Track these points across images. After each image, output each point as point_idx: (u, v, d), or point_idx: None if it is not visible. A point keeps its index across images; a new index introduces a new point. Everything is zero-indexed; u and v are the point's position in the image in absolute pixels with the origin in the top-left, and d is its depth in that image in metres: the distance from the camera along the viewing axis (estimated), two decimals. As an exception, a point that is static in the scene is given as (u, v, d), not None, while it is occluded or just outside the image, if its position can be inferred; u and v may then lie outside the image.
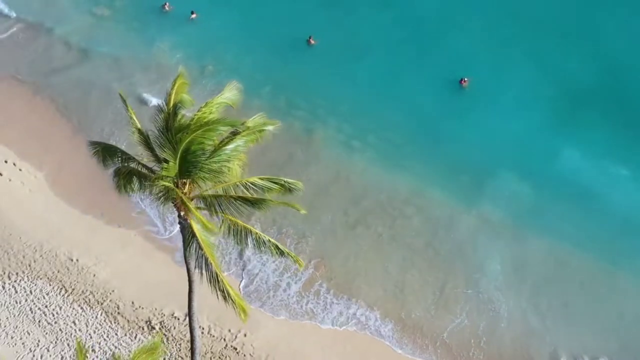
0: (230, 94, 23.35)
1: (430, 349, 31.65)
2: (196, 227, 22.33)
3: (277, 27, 46.85)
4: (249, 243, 22.65)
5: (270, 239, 22.80)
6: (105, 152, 23.79)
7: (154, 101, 41.13)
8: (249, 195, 22.59)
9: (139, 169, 23.13)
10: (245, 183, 22.71)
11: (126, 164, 23.38)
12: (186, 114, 22.43)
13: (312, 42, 45.47)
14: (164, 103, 22.57)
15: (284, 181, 23.12)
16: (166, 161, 21.73)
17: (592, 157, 38.47)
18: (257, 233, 22.70)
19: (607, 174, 37.71)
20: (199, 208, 22.68)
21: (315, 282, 34.16)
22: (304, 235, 35.83)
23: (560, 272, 34.23)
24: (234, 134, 22.56)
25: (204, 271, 22.18)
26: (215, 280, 21.99)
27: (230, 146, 22.17)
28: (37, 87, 44.25)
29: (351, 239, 35.92)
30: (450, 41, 45.22)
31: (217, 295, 22.24)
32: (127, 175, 23.05)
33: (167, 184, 21.24)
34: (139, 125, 23.25)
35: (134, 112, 23.59)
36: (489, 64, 43.64)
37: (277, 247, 22.86)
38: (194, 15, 48.09)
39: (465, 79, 42.53)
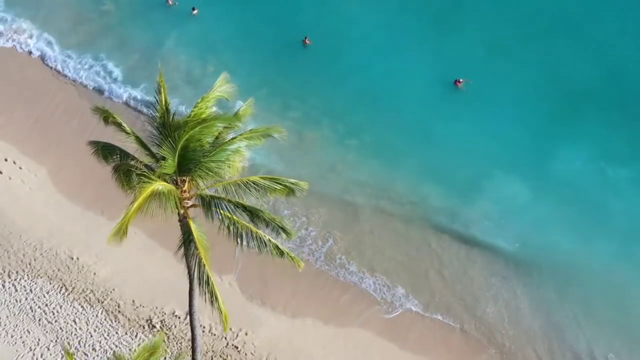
0: (223, 86, 22.98)
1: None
2: (194, 227, 21.84)
3: (274, 27, 46.07)
4: (249, 243, 22.04)
5: (270, 238, 22.02)
6: (105, 150, 23.32)
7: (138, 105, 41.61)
8: (247, 204, 21.91)
9: (139, 166, 22.75)
10: (247, 182, 22.08)
11: (125, 162, 23.05)
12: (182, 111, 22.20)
13: (308, 42, 45.01)
14: (157, 101, 22.26)
15: (287, 181, 22.45)
16: (164, 159, 21.43)
17: (589, 157, 37.91)
18: (257, 232, 21.93)
19: (605, 175, 37.19)
20: (197, 206, 22.36)
21: (336, 255, 34.61)
22: (310, 210, 36.18)
23: (559, 270, 33.85)
24: (228, 128, 22.18)
25: (196, 272, 21.64)
26: (205, 282, 21.40)
27: (232, 147, 21.65)
28: (39, 85, 44.13)
29: (362, 219, 36.11)
30: (445, 42, 44.39)
31: (205, 297, 21.64)
32: (126, 172, 22.72)
33: (156, 182, 20.86)
34: (128, 130, 22.86)
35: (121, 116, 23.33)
36: (484, 65, 42.73)
37: (277, 248, 22.07)
38: (195, 12, 47.83)
39: (461, 80, 41.70)
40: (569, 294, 33.05)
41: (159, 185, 20.71)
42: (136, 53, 45.31)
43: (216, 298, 21.47)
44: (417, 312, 32.65)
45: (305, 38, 44.92)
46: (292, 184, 22.45)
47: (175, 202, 21.07)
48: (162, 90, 22.17)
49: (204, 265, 21.26)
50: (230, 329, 31.08)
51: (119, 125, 23.30)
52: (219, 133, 21.93)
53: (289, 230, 21.96)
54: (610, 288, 33.12)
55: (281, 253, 22.13)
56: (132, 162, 22.77)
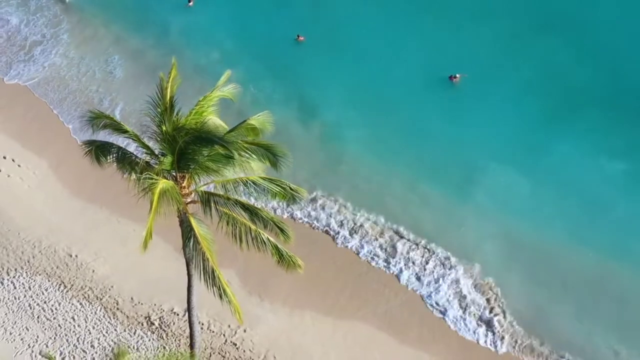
0: (228, 86, 22.49)
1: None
2: (194, 223, 21.32)
3: (267, 21, 45.86)
4: (248, 241, 21.51)
5: (269, 237, 21.45)
6: (100, 150, 22.73)
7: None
8: (246, 201, 21.46)
9: (137, 162, 22.42)
10: (246, 181, 21.50)
11: (124, 159, 22.73)
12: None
13: (301, 39, 44.77)
14: (159, 96, 21.89)
15: (287, 185, 21.72)
16: (163, 155, 21.16)
17: (586, 152, 37.44)
18: (256, 230, 21.36)
19: (602, 169, 36.70)
20: (196, 202, 22.04)
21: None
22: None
23: (556, 264, 33.30)
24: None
25: (200, 267, 21.12)
26: (211, 277, 20.92)
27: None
28: (36, 81, 43.80)
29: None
30: (440, 37, 43.94)
31: (214, 292, 21.12)
32: (128, 165, 22.42)
33: (160, 180, 20.49)
34: (126, 128, 22.45)
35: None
36: (480, 60, 42.29)
37: (276, 248, 21.50)
38: (190, 3, 47.83)
39: (457, 76, 41.29)
40: (566, 287, 32.63)
41: (162, 184, 20.36)
42: (133, 47, 45.03)
43: (225, 292, 20.95)
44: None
45: (298, 36, 44.69)
46: (292, 189, 21.76)
47: (176, 199, 20.75)
48: (168, 85, 21.64)
49: (208, 259, 20.77)
50: (229, 326, 30.75)
51: (114, 127, 22.83)
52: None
53: (288, 233, 21.43)
54: (608, 280, 32.76)
55: (280, 254, 21.48)
56: (132, 159, 22.48)
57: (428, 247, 34.49)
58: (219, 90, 22.44)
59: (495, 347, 30.72)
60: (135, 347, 29.82)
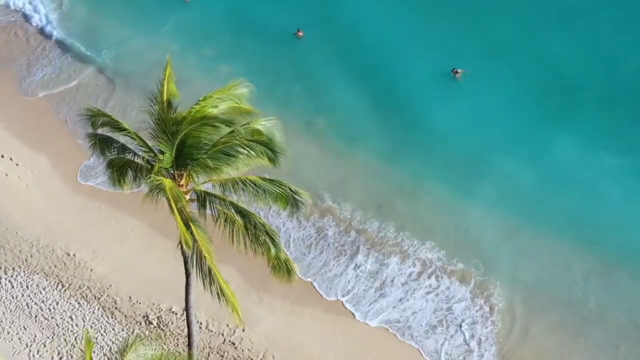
0: (237, 91, 21.80)
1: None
2: (192, 222, 21.06)
3: (266, 17, 45.64)
4: (245, 242, 20.97)
5: (266, 239, 20.97)
6: (102, 143, 22.44)
7: None
8: (240, 204, 20.90)
9: (135, 160, 22.19)
10: (245, 181, 20.92)
11: (122, 155, 22.50)
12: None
13: (300, 34, 44.52)
14: (157, 93, 21.64)
15: (288, 187, 20.90)
16: (162, 152, 20.93)
17: (586, 146, 37.38)
18: (254, 232, 20.87)
19: (601, 163, 36.63)
20: (193, 200, 21.81)
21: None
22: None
23: (553, 261, 33.28)
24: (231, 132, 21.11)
25: (198, 266, 20.66)
26: (209, 276, 20.36)
27: (230, 151, 20.56)
28: (32, 78, 43.57)
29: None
30: (442, 32, 43.81)
31: (211, 291, 20.59)
32: (120, 168, 22.15)
33: (164, 180, 20.20)
34: (126, 126, 22.08)
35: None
36: (481, 55, 42.19)
37: (270, 252, 21.03)
38: None
39: (458, 70, 41.16)
40: (567, 289, 32.47)
41: (166, 182, 20.04)
42: (128, 43, 44.85)
43: (222, 291, 20.39)
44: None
45: (298, 30, 44.45)
46: (294, 192, 20.98)
47: (180, 196, 20.43)
48: (165, 82, 21.33)
49: (205, 257, 20.29)
50: (227, 325, 30.54)
51: (112, 125, 22.56)
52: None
53: (278, 244, 20.85)
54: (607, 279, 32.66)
55: (277, 259, 20.97)
56: (130, 156, 22.26)
57: (425, 247, 34.37)
58: (225, 93, 21.76)
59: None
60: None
